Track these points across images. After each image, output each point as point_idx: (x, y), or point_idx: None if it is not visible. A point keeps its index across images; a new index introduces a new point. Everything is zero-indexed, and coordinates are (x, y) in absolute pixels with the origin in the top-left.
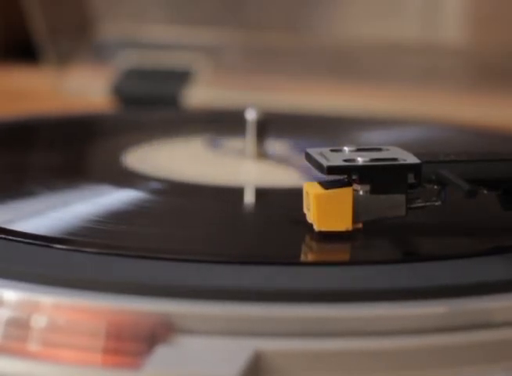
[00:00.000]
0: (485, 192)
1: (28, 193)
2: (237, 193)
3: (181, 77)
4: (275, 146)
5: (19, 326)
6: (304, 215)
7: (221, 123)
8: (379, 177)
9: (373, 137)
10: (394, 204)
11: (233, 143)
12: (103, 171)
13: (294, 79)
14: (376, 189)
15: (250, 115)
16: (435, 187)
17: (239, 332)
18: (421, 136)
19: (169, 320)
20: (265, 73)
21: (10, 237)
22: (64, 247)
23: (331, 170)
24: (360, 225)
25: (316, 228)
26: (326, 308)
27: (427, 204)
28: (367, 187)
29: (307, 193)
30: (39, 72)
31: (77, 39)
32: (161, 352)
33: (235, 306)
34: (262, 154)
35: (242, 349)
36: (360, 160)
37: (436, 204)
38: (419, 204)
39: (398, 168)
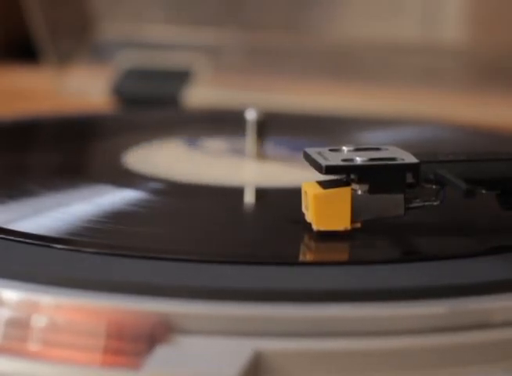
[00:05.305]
0: (484, 192)
1: (28, 193)
2: (237, 193)
3: (181, 77)
4: (275, 146)
5: (19, 326)
6: (302, 214)
7: (221, 123)
8: (377, 177)
9: (372, 137)
10: (392, 204)
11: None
12: (103, 171)
13: (294, 79)
14: (374, 189)
15: (250, 115)
16: (434, 187)
17: (239, 332)
18: (421, 136)
19: (169, 320)
20: (265, 73)
21: (10, 237)
22: (64, 247)
23: (329, 169)
24: (359, 225)
25: (315, 227)
26: (325, 308)
27: (426, 203)
28: (365, 187)
29: (305, 192)
30: (39, 72)
31: (77, 39)
32: (161, 352)
33: (235, 306)
34: (262, 154)
35: (242, 349)
36: (358, 159)
37: (435, 203)
38: (417, 203)
39: (397, 167)
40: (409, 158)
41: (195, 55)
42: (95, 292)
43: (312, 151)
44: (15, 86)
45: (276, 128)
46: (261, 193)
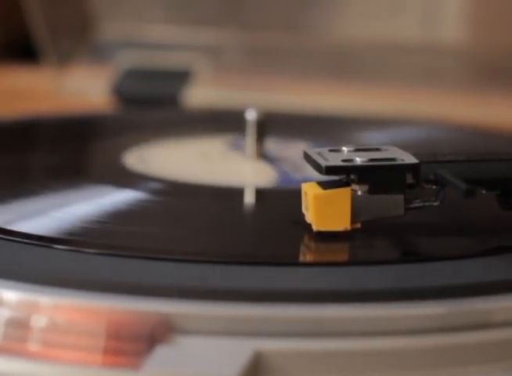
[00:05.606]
0: (484, 192)
1: (28, 193)
2: (237, 193)
3: (181, 77)
4: (276, 146)
5: (19, 326)
6: (302, 215)
7: (221, 123)
8: (377, 177)
9: (372, 137)
10: (392, 204)
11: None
12: (103, 171)
13: (294, 79)
14: (374, 189)
15: (250, 115)
16: (434, 187)
17: (239, 332)
18: (421, 136)
19: (169, 320)
20: (265, 73)
21: (10, 237)
22: (64, 247)
23: (329, 170)
24: (359, 225)
25: (315, 228)
26: (325, 308)
27: (426, 204)
28: (365, 187)
29: (305, 193)
30: (39, 72)
31: (77, 39)
32: (161, 352)
33: (235, 306)
34: (262, 154)
35: (242, 349)
36: (358, 160)
37: (434, 204)
38: (417, 204)
39: (397, 168)
40: (409, 158)
41: (195, 55)
42: (94, 292)
43: (312, 151)
44: (15, 86)
45: (276, 128)
46: (261, 194)
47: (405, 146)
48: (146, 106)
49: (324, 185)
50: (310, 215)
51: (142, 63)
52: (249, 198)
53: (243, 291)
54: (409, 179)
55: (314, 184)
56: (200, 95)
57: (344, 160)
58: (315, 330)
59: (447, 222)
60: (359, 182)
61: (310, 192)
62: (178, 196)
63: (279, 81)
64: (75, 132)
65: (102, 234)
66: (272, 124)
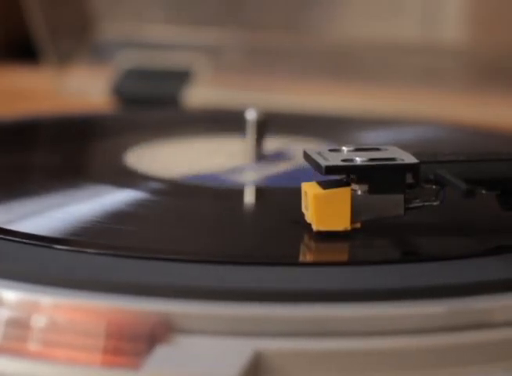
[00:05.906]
0: (484, 192)
1: (28, 193)
2: (237, 193)
3: (181, 77)
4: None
5: (19, 326)
6: (302, 214)
7: (221, 123)
8: (377, 177)
9: (372, 137)
10: (392, 204)
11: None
12: (103, 171)
13: (294, 79)
14: (374, 189)
15: (250, 115)
16: (434, 187)
17: (239, 332)
18: (421, 136)
19: (169, 320)
20: (264, 73)
21: (10, 237)
22: (64, 247)
23: (329, 170)
24: (358, 225)
25: (315, 228)
26: (325, 308)
27: (426, 203)
28: (365, 187)
29: (305, 192)
30: (39, 72)
31: (77, 39)
32: (161, 352)
33: (235, 306)
34: (262, 154)
35: (242, 349)
36: (358, 160)
37: (434, 203)
38: (417, 203)
39: (397, 167)
40: (409, 158)
41: (195, 55)
42: (94, 292)
43: (312, 151)
44: (15, 86)
45: (276, 128)
46: (261, 194)
47: (405, 146)
48: (146, 106)
49: (324, 185)
50: (310, 214)
51: (142, 63)
52: (249, 198)
53: (243, 291)
54: (409, 179)
55: (314, 184)
56: (200, 95)
57: (343, 160)
58: (315, 330)
59: (447, 222)
60: (359, 181)
61: (310, 192)
62: (178, 196)
63: (279, 81)
64: (75, 132)
65: (102, 234)
66: (272, 124)
